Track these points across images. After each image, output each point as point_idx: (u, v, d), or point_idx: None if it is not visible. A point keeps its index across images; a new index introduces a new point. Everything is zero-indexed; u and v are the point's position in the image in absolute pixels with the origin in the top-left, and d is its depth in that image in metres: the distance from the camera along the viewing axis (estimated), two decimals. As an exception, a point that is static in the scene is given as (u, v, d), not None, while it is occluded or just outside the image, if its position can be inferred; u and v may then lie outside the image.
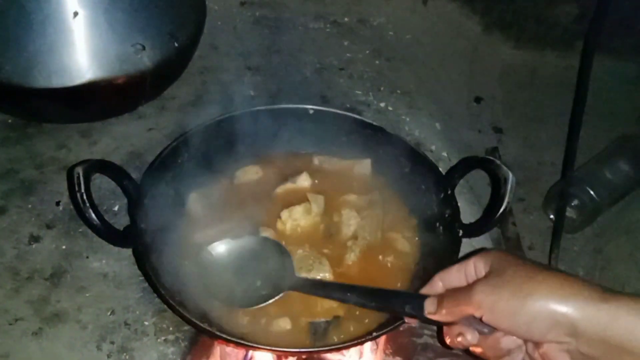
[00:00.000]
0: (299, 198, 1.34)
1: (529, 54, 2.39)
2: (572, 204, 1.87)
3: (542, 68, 2.39)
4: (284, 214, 1.30)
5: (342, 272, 1.23)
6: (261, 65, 1.86)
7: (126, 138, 1.57)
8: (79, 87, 1.36)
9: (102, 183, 1.42)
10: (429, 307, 0.90)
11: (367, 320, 1.15)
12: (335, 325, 1.15)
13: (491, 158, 1.30)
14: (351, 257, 1.26)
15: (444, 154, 1.68)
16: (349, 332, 1.13)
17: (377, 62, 1.95)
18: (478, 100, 2.31)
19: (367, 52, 1.99)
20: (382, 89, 1.83)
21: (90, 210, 1.11)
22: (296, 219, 1.30)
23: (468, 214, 1.45)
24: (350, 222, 1.32)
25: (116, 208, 1.40)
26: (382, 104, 1.76)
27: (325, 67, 1.89)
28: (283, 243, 1.23)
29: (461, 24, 2.30)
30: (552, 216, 1.92)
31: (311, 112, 1.47)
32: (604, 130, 2.15)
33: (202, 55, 1.84)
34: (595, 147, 2.07)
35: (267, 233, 1.27)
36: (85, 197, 1.11)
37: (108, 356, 1.13)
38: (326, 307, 1.16)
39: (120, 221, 1.37)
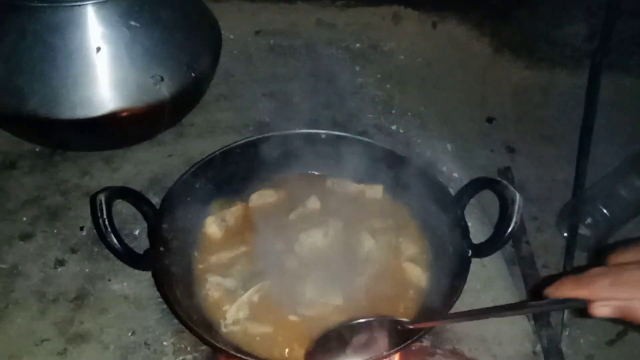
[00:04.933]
0: (313, 220, 1.38)
1: (540, 74, 2.41)
2: (586, 222, 1.88)
3: (554, 87, 2.40)
4: (303, 237, 1.33)
5: (352, 295, 1.25)
6: (275, 91, 1.92)
7: (146, 164, 1.63)
8: (101, 118, 1.42)
9: (123, 208, 1.48)
10: None
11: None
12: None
13: (498, 179, 1.32)
14: (363, 281, 1.29)
15: (455, 174, 1.71)
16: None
17: (388, 85, 2.00)
18: (490, 120, 2.33)
19: (378, 76, 2.04)
20: (393, 111, 1.87)
21: (112, 235, 1.17)
22: (314, 242, 1.34)
23: (480, 233, 1.47)
24: (364, 245, 1.36)
25: (137, 232, 1.46)
26: (393, 127, 1.80)
27: (338, 92, 1.94)
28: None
29: (471, 46, 2.34)
30: (565, 234, 1.93)
31: (323, 136, 1.51)
32: (617, 147, 2.15)
33: (219, 82, 1.89)
34: (608, 164, 2.06)
35: (285, 256, 1.31)
36: (107, 222, 1.16)
37: (129, 375, 1.18)
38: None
39: (141, 244, 1.42)
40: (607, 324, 1.73)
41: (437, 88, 2.12)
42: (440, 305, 1.18)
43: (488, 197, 1.66)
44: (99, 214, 1.17)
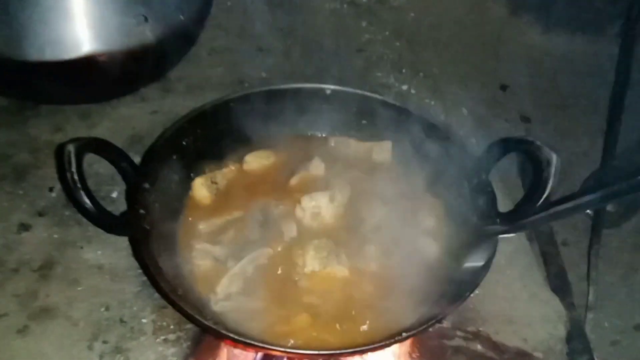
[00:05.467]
0: (317, 185, 1.22)
1: (558, 39, 2.25)
2: (613, 196, 1.72)
3: (572, 54, 2.24)
4: (305, 200, 1.17)
5: (360, 267, 1.10)
6: (274, 46, 1.74)
7: (127, 121, 1.47)
8: (74, 62, 1.25)
9: (100, 168, 1.32)
10: None
11: (389, 319, 1.02)
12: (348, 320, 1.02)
13: (530, 138, 1.17)
14: (371, 251, 1.13)
15: (473, 140, 1.54)
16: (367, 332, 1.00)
17: (397, 44, 1.83)
18: (504, 87, 2.17)
19: (387, 33, 1.87)
20: (403, 71, 1.71)
21: (82, 192, 0.99)
22: (318, 207, 1.17)
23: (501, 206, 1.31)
24: (375, 213, 1.19)
25: (115, 194, 1.29)
26: (405, 87, 1.64)
27: (342, 48, 1.77)
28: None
29: (486, 6, 2.18)
30: (588, 211, 1.77)
31: (328, 92, 1.35)
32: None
33: (211, 36, 1.73)
34: (632, 136, 1.91)
35: (285, 222, 1.15)
36: (76, 177, 0.99)
37: (100, 357, 1.02)
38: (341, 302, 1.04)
39: (120, 209, 1.24)
40: (634, 305, 1.59)
41: (449, 50, 1.96)
42: (467, 282, 1.01)
43: (505, 167, 1.51)
44: (67, 167, 0.99)
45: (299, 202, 1.16)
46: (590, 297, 1.52)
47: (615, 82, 1.77)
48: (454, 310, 0.97)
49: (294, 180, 1.25)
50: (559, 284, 1.52)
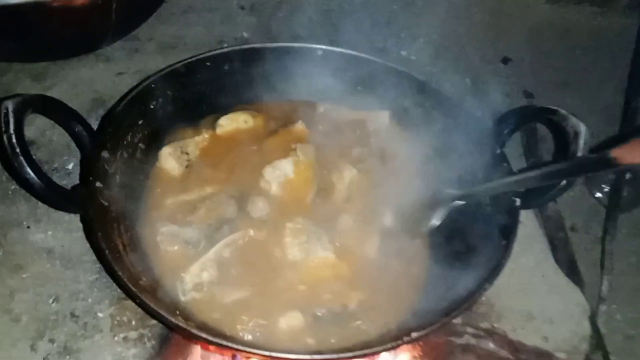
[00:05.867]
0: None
1: (563, 10, 2.09)
2: (626, 178, 1.58)
3: (577, 26, 2.09)
4: (268, 172, 1.03)
5: (342, 243, 0.97)
6: (257, 4, 1.58)
7: (89, 83, 1.31)
8: (21, 7, 1.08)
9: (54, 135, 1.16)
10: None
11: (383, 316, 0.88)
12: (343, 318, 0.88)
13: (554, 107, 1.02)
14: (345, 221, 0.99)
15: (479, 112, 1.38)
16: (360, 330, 0.86)
17: (394, 7, 1.67)
18: (505, 61, 2.01)
19: (382, -6, 1.69)
20: (402, 35, 1.54)
21: (22, 159, 0.81)
22: (283, 176, 1.03)
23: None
24: (343, 175, 1.06)
25: (70, 166, 1.14)
26: (403, 52, 1.48)
27: (333, 8, 1.61)
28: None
29: (488, -28, 2.00)
30: (597, 194, 1.63)
31: (320, 52, 1.21)
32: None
33: (187, -7, 1.55)
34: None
35: (255, 199, 0.99)
36: (14, 140, 0.81)
37: (44, 359, 0.83)
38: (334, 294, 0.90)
39: (75, 184, 1.07)
40: (648, 298, 1.46)
41: (450, 15, 1.78)
42: (484, 267, 0.86)
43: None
44: (4, 128, 0.81)
45: (262, 175, 1.02)
46: (604, 288, 1.38)
47: (635, 55, 1.62)
48: (471, 305, 0.81)
49: (268, 142, 1.10)
50: (569, 273, 1.38)
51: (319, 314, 0.87)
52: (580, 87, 2.04)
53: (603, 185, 1.66)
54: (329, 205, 1.02)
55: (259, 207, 0.99)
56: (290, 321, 0.83)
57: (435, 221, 0.95)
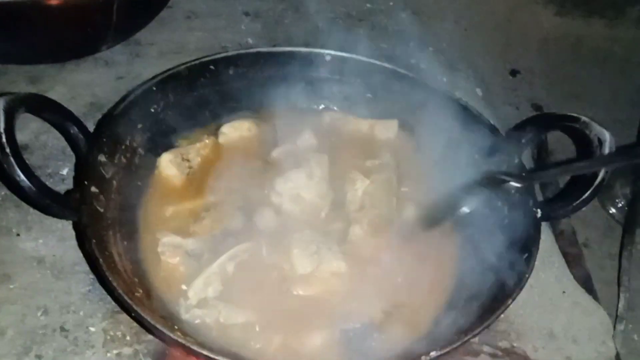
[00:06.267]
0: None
1: (573, 23, 2.08)
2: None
3: (587, 39, 2.07)
4: (279, 183, 0.97)
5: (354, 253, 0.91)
6: (262, 11, 1.55)
7: (87, 87, 1.26)
8: (18, 6, 1.03)
9: (48, 139, 1.11)
10: None
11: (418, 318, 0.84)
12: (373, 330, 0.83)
13: (576, 115, 0.97)
14: (356, 232, 0.94)
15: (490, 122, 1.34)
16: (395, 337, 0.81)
17: (403, 15, 1.63)
18: (514, 73, 1.99)
19: (391, 3, 1.68)
20: (410, 44, 1.50)
21: (12, 160, 0.76)
22: (296, 187, 0.97)
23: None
24: (356, 186, 1.01)
25: (65, 171, 1.08)
26: (412, 61, 1.43)
27: (340, 17, 1.58)
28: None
29: (497, -17, 1.98)
30: (611, 210, 1.59)
31: (328, 58, 1.18)
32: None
33: (190, -2, 1.51)
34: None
35: (262, 211, 0.94)
36: (4, 139, 0.76)
37: (30, 377, 0.77)
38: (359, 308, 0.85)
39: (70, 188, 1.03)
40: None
41: (458, 25, 1.76)
42: (506, 282, 0.80)
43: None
44: (-9, 127, 0.75)
45: (273, 187, 0.97)
46: (621, 306, 1.33)
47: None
48: (493, 321, 0.75)
49: (275, 154, 1.05)
50: (584, 291, 1.33)
51: (345, 330, 0.81)
52: (590, 100, 2.01)
53: (617, 200, 1.62)
54: (341, 216, 0.97)
55: (267, 219, 0.94)
56: (312, 340, 0.78)
57: (466, 208, 0.91)
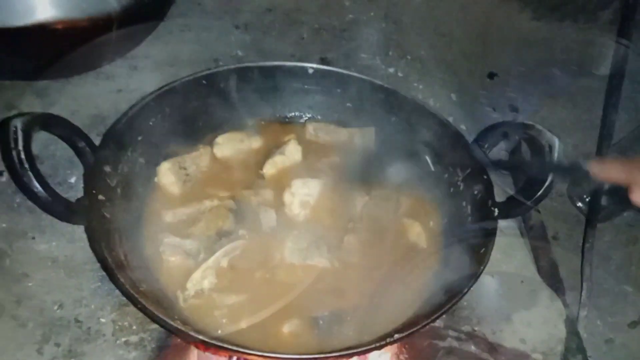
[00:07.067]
0: (292, 173, 1.14)
1: (548, 26, 2.16)
2: (606, 189, 1.65)
3: (562, 42, 2.16)
4: (297, 185, 1.08)
5: (342, 258, 1.03)
6: (251, 23, 1.63)
7: (89, 100, 1.35)
8: (28, 30, 1.13)
9: (57, 150, 1.20)
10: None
11: (377, 318, 0.93)
12: (337, 320, 0.94)
13: (530, 122, 1.08)
14: (351, 241, 1.05)
15: (463, 126, 1.45)
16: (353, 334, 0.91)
17: (383, 25, 1.73)
18: (491, 76, 2.08)
19: (372, 14, 1.76)
20: (390, 53, 1.61)
21: (30, 174, 0.87)
22: (310, 195, 1.09)
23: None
24: (356, 201, 1.12)
25: (73, 180, 1.18)
26: (391, 69, 1.54)
27: (325, 27, 1.67)
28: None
29: (474, -10, 2.07)
30: (579, 204, 1.70)
31: (310, 71, 1.28)
32: (632, 110, 1.93)
33: (183, 12, 1.62)
34: (627, 128, 1.84)
35: (267, 214, 1.06)
36: (23, 156, 0.86)
37: (50, 362, 0.89)
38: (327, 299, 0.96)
39: (78, 196, 1.11)
40: (627, 302, 1.51)
41: (437, 33, 1.86)
42: (461, 276, 0.92)
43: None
44: (12, 145, 0.87)
45: (289, 186, 1.08)
46: (584, 294, 1.44)
47: (611, 73, 1.69)
48: (451, 307, 0.86)
49: (267, 166, 1.16)
50: (551, 281, 1.44)
51: (316, 317, 0.92)
52: (565, 102, 2.11)
53: (585, 196, 1.72)
54: (340, 225, 1.07)
55: (270, 220, 1.05)
56: (288, 325, 0.89)
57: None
